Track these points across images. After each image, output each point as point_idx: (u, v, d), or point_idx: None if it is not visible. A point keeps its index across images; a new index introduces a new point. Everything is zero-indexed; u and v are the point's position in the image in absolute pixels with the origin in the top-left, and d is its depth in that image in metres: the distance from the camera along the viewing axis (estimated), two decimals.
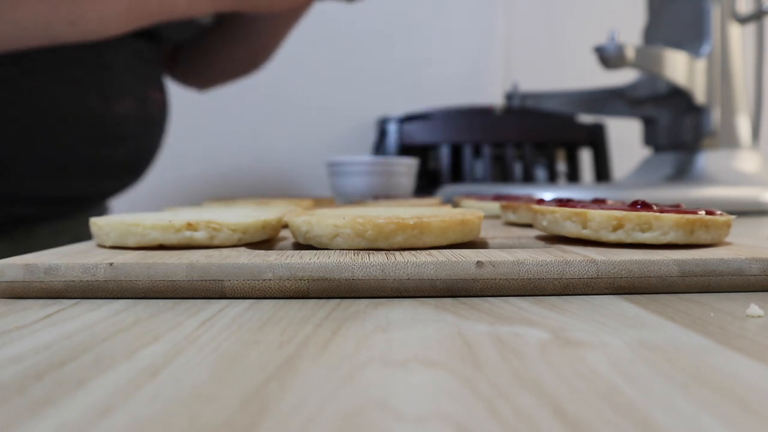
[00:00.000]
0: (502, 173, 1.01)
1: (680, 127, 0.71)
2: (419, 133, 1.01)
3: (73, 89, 0.56)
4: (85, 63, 0.56)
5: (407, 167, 0.75)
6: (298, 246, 0.29)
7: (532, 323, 0.18)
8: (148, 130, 0.65)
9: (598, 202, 0.34)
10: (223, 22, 0.72)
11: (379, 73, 1.35)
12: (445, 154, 0.99)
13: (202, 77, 0.79)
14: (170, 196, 1.28)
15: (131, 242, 0.26)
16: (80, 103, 0.56)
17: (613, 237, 0.26)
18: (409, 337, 0.16)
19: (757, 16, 0.68)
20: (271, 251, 0.25)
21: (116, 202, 1.24)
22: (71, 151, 0.57)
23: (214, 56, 0.75)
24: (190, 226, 0.26)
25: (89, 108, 0.57)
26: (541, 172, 1.05)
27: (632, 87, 0.76)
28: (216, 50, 0.74)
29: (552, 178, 1.03)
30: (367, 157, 0.76)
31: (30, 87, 0.52)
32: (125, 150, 0.62)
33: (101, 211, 0.73)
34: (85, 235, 0.66)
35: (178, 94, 1.19)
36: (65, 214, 0.64)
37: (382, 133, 1.06)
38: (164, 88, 0.69)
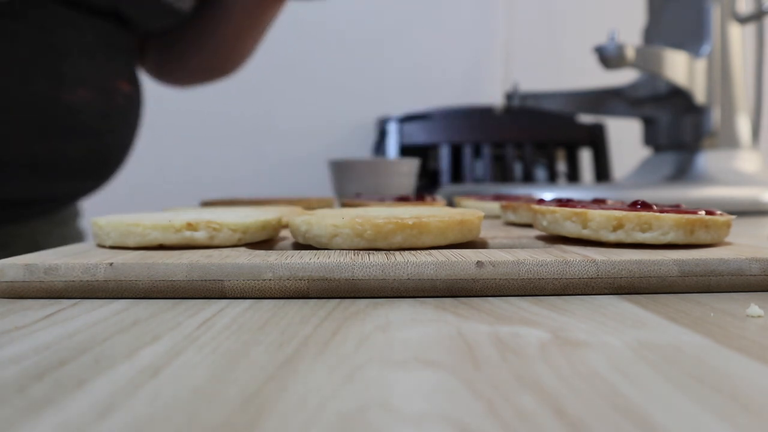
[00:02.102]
0: (502, 173, 1.01)
1: (680, 127, 0.71)
2: (419, 133, 1.01)
3: (16, 71, 0.47)
4: (32, 42, 0.48)
5: (409, 167, 0.75)
6: (298, 246, 0.29)
7: (532, 323, 0.18)
8: (114, 125, 0.56)
9: (598, 202, 0.34)
10: (195, 14, 0.65)
11: (379, 73, 1.35)
12: (445, 154, 0.99)
13: (171, 72, 0.70)
14: (170, 196, 1.28)
15: (131, 242, 0.26)
16: (22, 88, 0.48)
17: (613, 237, 0.26)
18: (409, 337, 0.16)
19: (757, 16, 0.68)
20: (271, 251, 0.25)
21: (116, 203, 1.24)
22: (10, 145, 0.48)
23: (183, 50, 0.67)
24: (190, 226, 0.26)
25: (33, 95, 0.48)
26: (541, 172, 1.05)
27: (632, 87, 0.76)
28: (185, 44, 0.66)
29: (552, 178, 1.03)
30: (369, 158, 0.77)
31: None
32: (82, 147, 0.53)
33: (67, 217, 0.64)
34: (43, 243, 0.57)
35: (177, 94, 1.19)
36: (11, 218, 0.55)
37: (382, 133, 1.06)
38: (137, 81, 0.61)
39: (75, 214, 0.66)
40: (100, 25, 0.54)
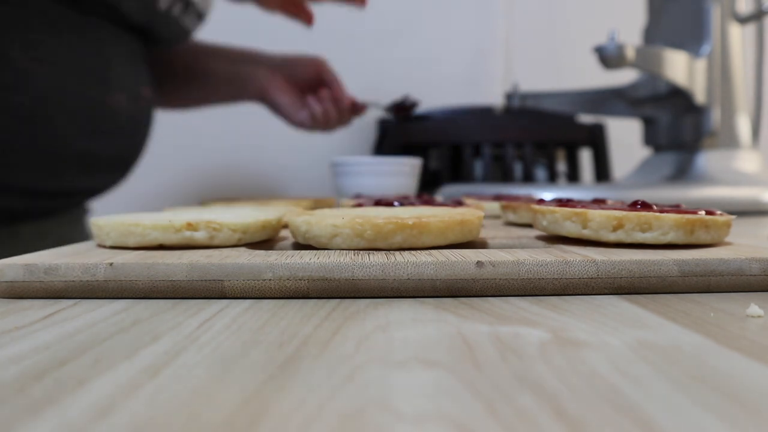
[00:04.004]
0: (502, 173, 1.01)
1: (680, 127, 0.71)
2: (419, 133, 1.01)
3: (76, 79, 0.55)
4: (89, 53, 0.57)
5: (411, 167, 0.75)
6: (298, 246, 0.29)
7: (532, 323, 0.18)
8: (138, 126, 0.65)
9: (598, 202, 0.34)
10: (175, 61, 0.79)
11: (379, 73, 1.35)
12: (445, 154, 0.99)
13: (163, 98, 0.81)
14: (170, 196, 1.28)
15: (131, 242, 0.26)
16: (81, 93, 0.56)
17: (613, 237, 0.26)
18: (409, 337, 0.16)
19: (757, 16, 0.68)
20: (271, 251, 0.25)
21: (116, 203, 1.24)
22: (66, 143, 0.56)
23: (170, 92, 0.80)
24: (190, 226, 0.26)
25: (88, 99, 0.57)
26: (541, 172, 1.05)
27: (632, 87, 0.76)
28: (170, 90, 0.80)
29: (552, 178, 1.03)
30: (371, 158, 0.77)
31: (37, 72, 0.52)
32: (115, 145, 0.62)
33: (82, 212, 0.72)
34: (69, 237, 0.64)
35: None
36: (51, 211, 0.63)
37: (382, 133, 1.06)
38: (154, 87, 0.70)
39: (85, 212, 0.74)
40: (133, 38, 0.64)
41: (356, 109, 0.83)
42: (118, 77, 0.60)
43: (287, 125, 0.82)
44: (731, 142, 0.69)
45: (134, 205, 1.23)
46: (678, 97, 0.71)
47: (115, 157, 0.63)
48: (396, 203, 0.38)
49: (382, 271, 0.21)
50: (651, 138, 0.76)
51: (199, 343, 0.16)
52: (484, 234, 0.33)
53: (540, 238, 0.31)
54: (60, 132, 0.55)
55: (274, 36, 1.13)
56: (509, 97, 0.77)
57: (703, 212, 0.26)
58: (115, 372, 0.14)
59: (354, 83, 1.35)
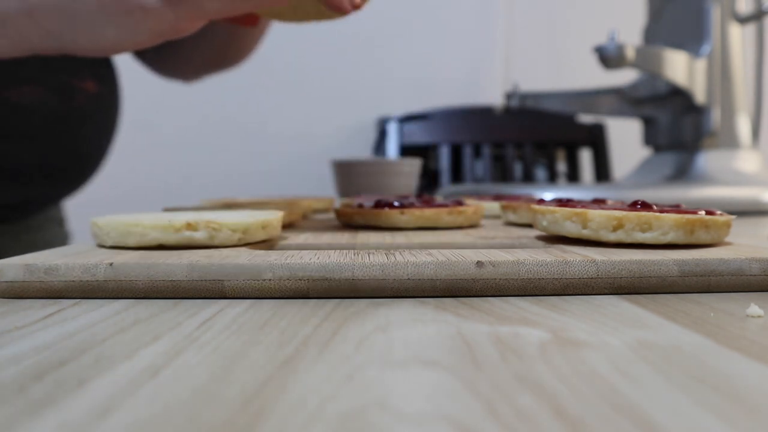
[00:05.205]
0: (502, 173, 1.01)
1: (680, 127, 0.71)
2: (419, 133, 1.01)
3: None
4: None
5: (411, 167, 0.75)
6: (299, 246, 0.29)
7: (532, 323, 0.18)
8: (76, 127, 0.53)
9: (598, 202, 0.34)
10: None
11: (379, 73, 1.35)
12: (445, 154, 0.99)
13: (175, 67, 0.65)
14: (170, 196, 1.28)
15: (131, 242, 0.26)
16: None
17: (613, 237, 0.26)
18: (409, 337, 0.16)
19: (757, 16, 0.68)
20: (271, 251, 0.25)
21: (116, 203, 1.24)
22: None
23: (182, 48, 0.61)
24: (190, 226, 0.26)
25: None
26: (541, 172, 1.05)
27: (632, 87, 0.76)
28: (183, 42, 0.60)
29: (552, 178, 1.03)
30: (371, 158, 0.77)
31: None
32: (36, 150, 0.51)
33: (36, 225, 0.59)
34: (7, 250, 0.54)
35: (178, 95, 1.19)
36: None
37: (382, 133, 1.06)
38: (111, 80, 0.57)
39: (50, 221, 0.62)
40: None
41: None
42: (23, 66, 0.47)
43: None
44: (731, 142, 0.69)
45: (134, 205, 1.23)
46: (678, 97, 0.71)
47: (40, 165, 0.51)
48: (396, 203, 0.38)
49: (382, 271, 0.21)
50: (651, 138, 0.76)
51: (199, 343, 0.16)
52: (484, 233, 0.33)
53: (540, 238, 0.31)
54: None
55: (277, 36, 1.13)
56: (509, 97, 0.77)
57: (703, 212, 0.26)
58: (115, 372, 0.14)
59: (356, 84, 1.35)
